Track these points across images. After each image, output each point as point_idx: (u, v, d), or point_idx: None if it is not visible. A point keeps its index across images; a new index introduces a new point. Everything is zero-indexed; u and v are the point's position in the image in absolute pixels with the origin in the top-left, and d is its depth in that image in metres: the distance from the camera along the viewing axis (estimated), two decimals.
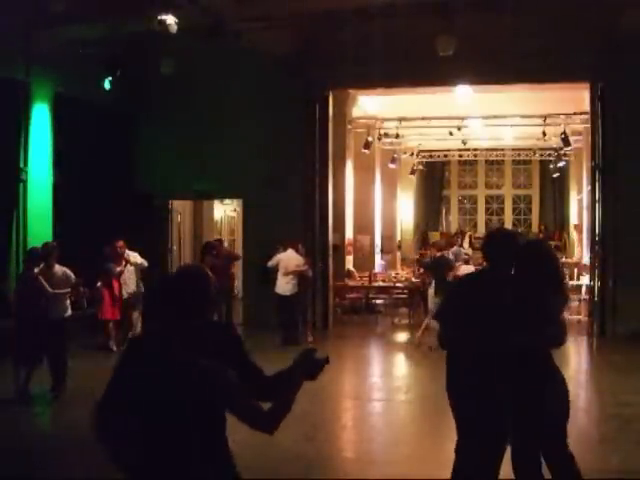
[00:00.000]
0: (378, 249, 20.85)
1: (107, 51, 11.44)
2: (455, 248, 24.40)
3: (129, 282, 11.15)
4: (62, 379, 8.10)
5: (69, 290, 8.25)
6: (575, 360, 12.02)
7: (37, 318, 7.89)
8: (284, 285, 11.74)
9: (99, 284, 10.91)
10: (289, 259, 11.80)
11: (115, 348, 10.99)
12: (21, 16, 10.44)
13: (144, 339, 2.95)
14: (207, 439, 2.66)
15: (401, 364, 11.29)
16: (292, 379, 2.79)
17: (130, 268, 11.14)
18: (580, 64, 12.17)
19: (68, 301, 8.30)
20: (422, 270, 14.23)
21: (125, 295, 11.11)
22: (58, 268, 8.17)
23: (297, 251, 11.87)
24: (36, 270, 8.07)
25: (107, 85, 11.76)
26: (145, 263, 11.28)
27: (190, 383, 2.58)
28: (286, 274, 11.73)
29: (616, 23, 11.46)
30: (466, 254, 23.88)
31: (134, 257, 11.15)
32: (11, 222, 11.18)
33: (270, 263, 11.90)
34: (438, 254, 11.84)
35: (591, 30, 11.91)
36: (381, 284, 15.35)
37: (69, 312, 8.33)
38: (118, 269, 11.02)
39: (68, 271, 8.22)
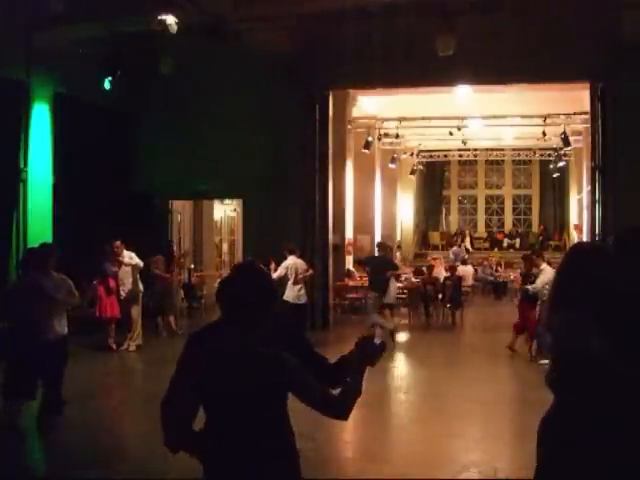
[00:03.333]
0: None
1: (107, 51, 11.43)
2: (455, 248, 24.54)
3: (126, 282, 11.12)
4: (58, 407, 6.88)
5: (71, 302, 7.00)
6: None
7: (33, 338, 6.59)
8: (296, 293, 11.20)
9: (95, 282, 10.86)
10: (297, 265, 11.36)
11: (115, 347, 10.97)
12: (21, 16, 10.45)
13: (208, 333, 3.03)
14: (278, 430, 2.74)
15: (401, 364, 11.29)
16: (355, 365, 2.84)
17: (126, 268, 11.09)
18: (580, 64, 12.18)
19: (65, 315, 6.97)
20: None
21: (122, 294, 11.08)
22: (56, 275, 6.92)
23: (297, 256, 11.63)
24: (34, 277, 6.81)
25: (107, 85, 11.76)
26: (141, 263, 11.19)
27: (263, 373, 2.65)
28: (297, 282, 11.26)
29: (616, 24, 11.47)
30: (466, 251, 24.10)
31: (129, 258, 11.05)
32: (11, 222, 11.18)
33: (280, 272, 11.04)
34: (380, 253, 12.68)
35: (591, 30, 11.92)
36: None
37: (66, 329, 6.98)
38: (114, 269, 10.96)
39: (68, 280, 6.96)
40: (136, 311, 11.24)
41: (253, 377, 2.66)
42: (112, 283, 10.95)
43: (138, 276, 11.27)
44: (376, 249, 13.56)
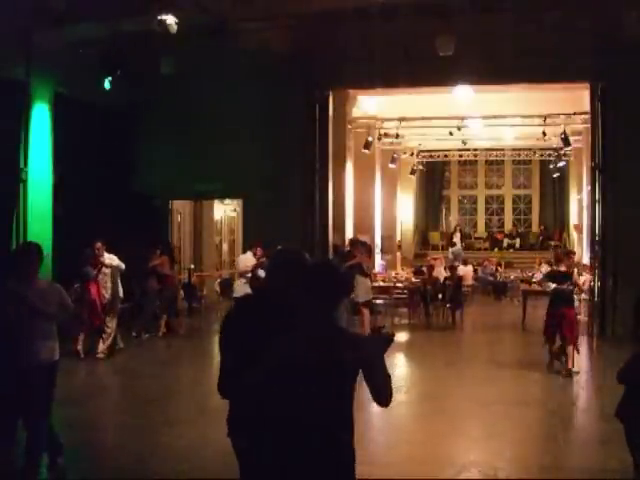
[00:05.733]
0: (378, 249, 20.84)
1: (107, 51, 11.43)
2: (455, 248, 24.53)
3: (106, 286, 10.57)
4: (33, 461, 5.20)
5: (62, 314, 5.33)
6: (575, 360, 12.01)
7: (11, 363, 5.05)
8: (237, 287, 12.17)
9: (76, 286, 10.36)
10: (242, 261, 12.31)
11: (83, 355, 10.30)
12: (21, 16, 10.44)
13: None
14: (350, 407, 3.13)
15: (401, 364, 11.28)
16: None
17: (106, 271, 10.54)
18: (580, 64, 12.17)
19: (55, 334, 5.27)
20: None
21: (104, 299, 10.51)
22: (44, 283, 5.39)
23: (255, 254, 12.05)
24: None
25: (107, 85, 11.76)
26: (122, 265, 10.64)
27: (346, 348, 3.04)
28: (239, 276, 12.26)
29: (616, 23, 11.46)
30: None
31: (110, 259, 10.49)
32: (11, 222, 11.17)
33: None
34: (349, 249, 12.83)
35: (591, 30, 11.91)
36: (381, 284, 15.33)
37: (57, 354, 5.28)
38: (94, 271, 10.38)
39: (59, 288, 5.37)
40: (113, 317, 10.68)
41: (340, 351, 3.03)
42: (93, 288, 10.34)
43: (119, 280, 10.73)
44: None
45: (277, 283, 3.31)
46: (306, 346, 2.97)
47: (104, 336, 10.52)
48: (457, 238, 26.60)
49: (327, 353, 2.97)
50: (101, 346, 10.47)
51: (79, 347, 10.32)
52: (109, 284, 10.62)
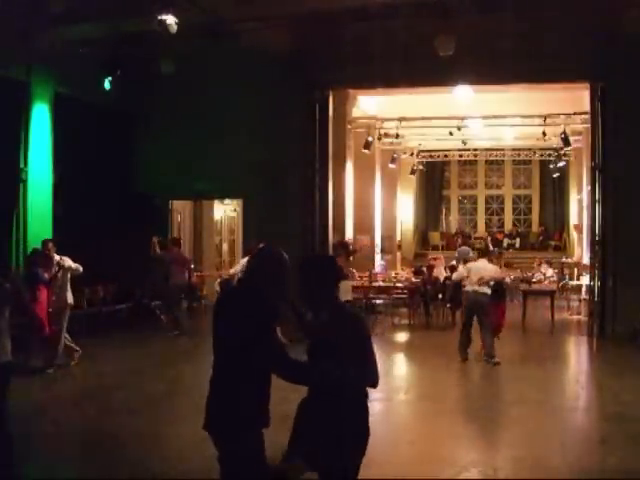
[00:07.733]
0: (378, 249, 20.85)
1: (107, 51, 11.45)
2: (462, 248, 24.42)
3: (60, 292, 9.31)
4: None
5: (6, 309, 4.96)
6: (575, 360, 12.02)
7: None
8: None
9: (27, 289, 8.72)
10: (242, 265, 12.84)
11: (37, 363, 9.20)
12: (21, 16, 10.45)
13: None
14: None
15: (401, 364, 11.28)
16: None
17: (59, 274, 9.28)
18: (580, 64, 12.17)
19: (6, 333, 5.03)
20: None
21: (52, 307, 9.30)
22: None
23: None
24: None
25: (107, 85, 11.78)
26: (80, 268, 9.40)
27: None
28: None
29: (616, 23, 11.46)
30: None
31: (64, 261, 9.28)
32: (11, 222, 11.18)
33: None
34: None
35: (591, 30, 11.91)
36: (381, 284, 15.33)
37: (9, 355, 5.04)
38: (46, 275, 9.14)
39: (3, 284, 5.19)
40: (60, 324, 9.36)
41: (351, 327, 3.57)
42: (43, 293, 9.11)
43: (68, 284, 9.42)
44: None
45: (251, 277, 3.61)
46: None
47: (57, 348, 9.31)
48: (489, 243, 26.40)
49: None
50: (51, 357, 9.25)
51: (34, 361, 9.21)
52: (64, 289, 9.37)
